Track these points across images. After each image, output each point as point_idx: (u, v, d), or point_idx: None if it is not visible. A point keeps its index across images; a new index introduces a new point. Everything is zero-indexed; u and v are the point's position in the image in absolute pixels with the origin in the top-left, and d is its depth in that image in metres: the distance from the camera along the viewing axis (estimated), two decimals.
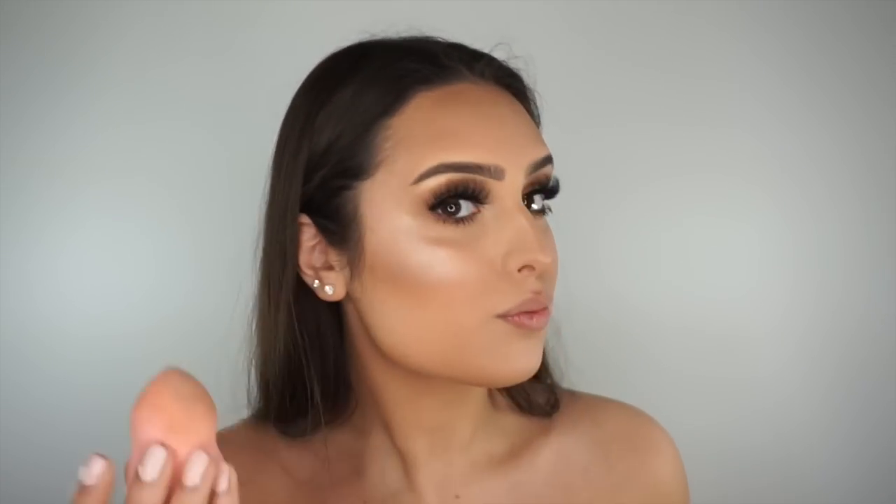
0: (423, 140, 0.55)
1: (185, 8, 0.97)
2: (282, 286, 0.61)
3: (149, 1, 0.95)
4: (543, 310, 0.57)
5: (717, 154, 1.01)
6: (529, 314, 0.56)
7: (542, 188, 0.59)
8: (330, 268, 0.60)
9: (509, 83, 0.61)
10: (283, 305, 0.61)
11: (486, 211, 0.56)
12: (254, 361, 0.66)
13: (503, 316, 0.55)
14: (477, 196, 0.55)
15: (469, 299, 0.55)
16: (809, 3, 0.98)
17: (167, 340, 0.97)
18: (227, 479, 0.44)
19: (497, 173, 0.55)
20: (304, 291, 0.61)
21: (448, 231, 0.55)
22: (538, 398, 0.69)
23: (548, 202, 0.61)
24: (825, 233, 1.01)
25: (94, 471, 0.43)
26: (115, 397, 1.00)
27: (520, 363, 0.56)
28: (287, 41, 0.95)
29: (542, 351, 0.58)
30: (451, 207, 0.55)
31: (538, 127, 0.64)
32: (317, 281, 0.60)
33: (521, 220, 0.56)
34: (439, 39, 0.62)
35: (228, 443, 0.63)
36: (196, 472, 0.43)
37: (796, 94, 1.01)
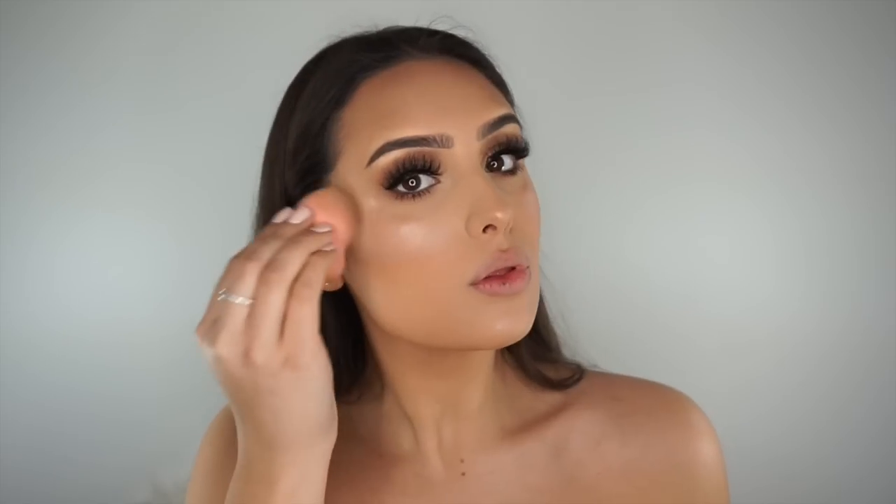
0: (369, 123, 0.56)
1: (186, 10, 0.96)
2: None
3: (151, 4, 0.95)
4: (515, 270, 0.56)
5: (725, 152, 0.99)
6: (501, 280, 0.56)
7: (506, 148, 0.58)
8: None
9: (461, 52, 0.61)
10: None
11: (445, 180, 0.56)
12: None
13: (474, 284, 0.56)
14: (430, 167, 0.56)
15: (439, 270, 0.56)
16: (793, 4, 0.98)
17: (165, 344, 0.94)
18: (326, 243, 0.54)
19: (445, 141, 0.55)
20: None
21: (409, 207, 0.56)
22: (552, 374, 0.68)
23: (522, 161, 0.60)
24: (831, 232, 1.00)
25: (301, 215, 0.55)
26: (111, 400, 1.01)
27: (500, 328, 0.56)
28: (285, 44, 0.94)
29: (527, 311, 0.57)
30: (412, 182, 0.56)
31: (506, 94, 0.63)
32: None
33: (477, 182, 0.56)
34: (392, 27, 0.63)
35: None
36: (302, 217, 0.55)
37: (804, 92, 0.99)
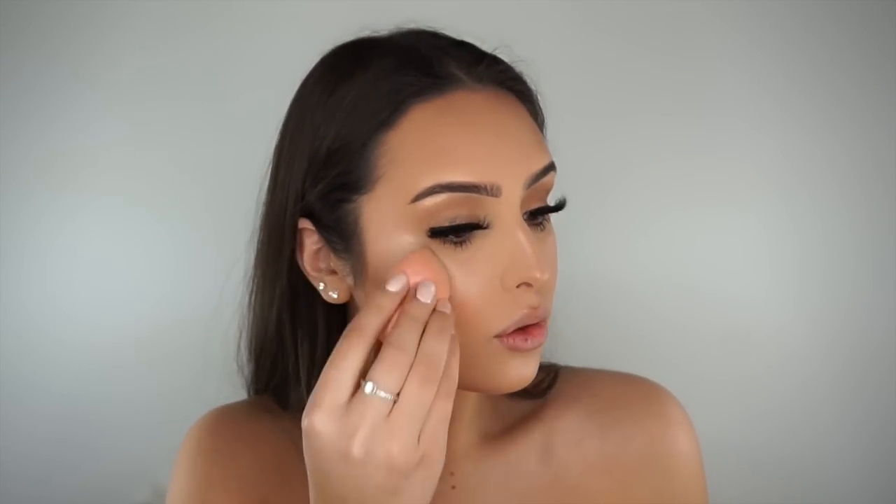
0: (419, 158, 0.54)
1: (189, 8, 0.96)
2: (276, 285, 0.63)
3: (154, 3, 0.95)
4: (538, 326, 0.57)
5: (723, 150, 0.99)
6: (524, 335, 0.56)
7: (543, 205, 0.58)
8: (333, 272, 0.60)
9: (511, 86, 0.60)
10: (276, 304, 0.63)
11: (486, 228, 0.55)
12: (248, 353, 0.70)
13: (500, 335, 0.56)
14: (475, 215, 0.55)
15: (468, 320, 0.55)
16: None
17: (162, 347, 0.96)
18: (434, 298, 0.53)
19: (494, 191, 0.54)
20: (298, 291, 0.63)
21: (447, 251, 0.55)
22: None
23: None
24: (831, 230, 0.99)
25: (400, 283, 0.53)
26: (109, 405, 1.01)
27: (512, 378, 0.57)
28: (291, 40, 0.94)
29: (537, 362, 0.58)
30: (452, 236, 0.55)
31: (542, 129, 0.63)
32: (322, 283, 0.60)
33: (518, 236, 0.55)
34: (441, 38, 0.61)
35: (237, 408, 0.67)
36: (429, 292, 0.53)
37: (803, 93, 0.99)
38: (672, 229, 1.00)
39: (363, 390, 0.48)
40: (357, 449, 0.47)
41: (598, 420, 0.67)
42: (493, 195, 0.54)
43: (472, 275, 0.55)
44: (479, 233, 0.55)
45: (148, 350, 0.96)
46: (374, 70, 0.57)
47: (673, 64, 0.98)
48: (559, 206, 0.59)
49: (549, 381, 0.69)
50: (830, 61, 0.97)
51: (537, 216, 0.58)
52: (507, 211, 0.55)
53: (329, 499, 0.49)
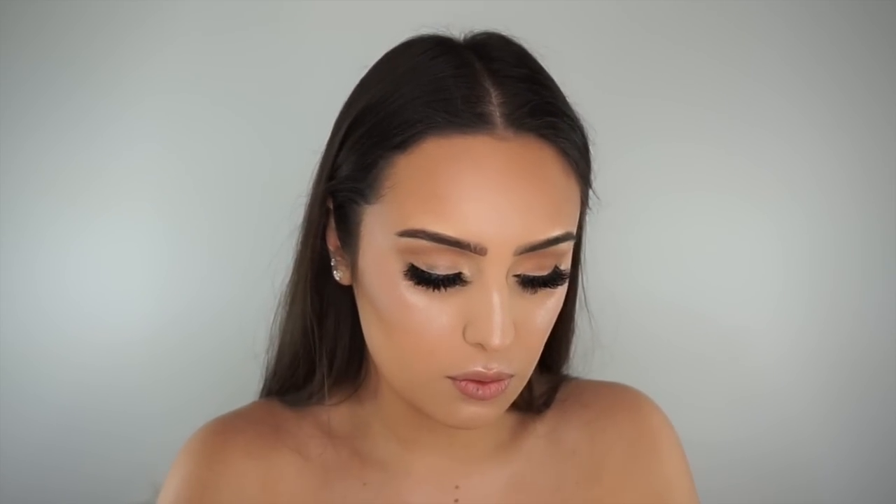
0: (416, 195, 0.54)
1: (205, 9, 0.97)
2: (303, 262, 0.64)
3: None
4: (496, 383, 0.57)
5: (720, 150, 1.02)
6: (476, 385, 0.56)
7: (536, 276, 0.56)
8: (342, 255, 0.62)
9: (553, 139, 0.56)
10: (301, 281, 0.65)
11: (466, 276, 0.55)
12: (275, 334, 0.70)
13: (452, 378, 0.56)
14: (456, 266, 0.55)
15: (424, 354, 0.56)
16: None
17: (172, 342, 0.98)
18: None
19: (479, 250, 0.54)
20: (325, 272, 0.64)
21: (419, 295, 0.55)
22: (538, 390, 0.69)
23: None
24: (829, 230, 1.02)
25: None
26: (119, 401, 1.01)
27: (464, 420, 0.57)
28: (303, 45, 0.95)
29: (497, 409, 0.58)
30: (424, 284, 0.55)
31: (586, 186, 0.60)
32: (334, 261, 0.63)
33: (492, 298, 0.54)
34: (500, 60, 0.57)
35: (242, 418, 0.66)
36: None
37: (799, 96, 1.02)
38: (676, 236, 1.01)
39: None
40: None
41: (587, 430, 0.69)
42: (477, 253, 0.54)
43: (439, 314, 0.55)
44: (458, 276, 0.55)
45: (149, 350, 0.96)
46: (411, 87, 0.56)
47: (678, 71, 1.00)
48: (554, 279, 0.57)
49: (549, 396, 0.70)
50: (842, 59, 1.00)
51: (530, 275, 0.56)
52: (490, 269, 0.54)
53: None
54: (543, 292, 0.57)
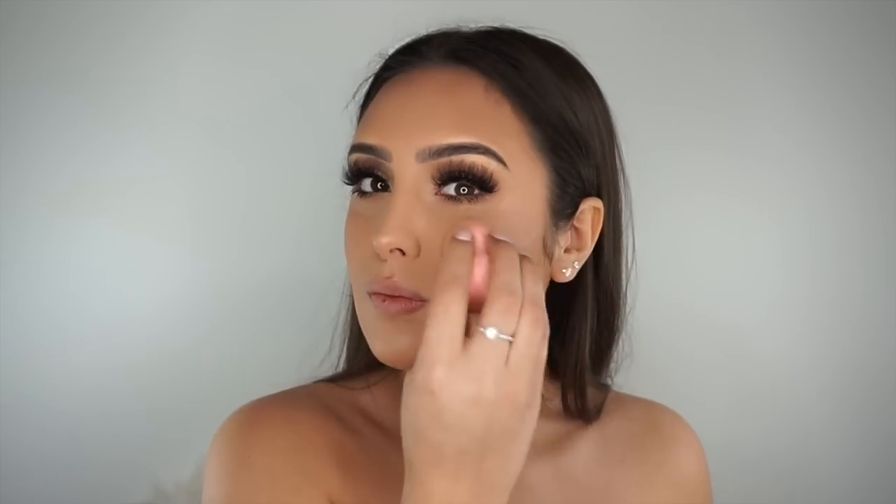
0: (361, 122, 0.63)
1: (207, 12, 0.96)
2: None
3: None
4: (393, 298, 0.57)
5: (730, 160, 1.00)
6: (381, 298, 0.57)
7: (451, 176, 0.57)
8: None
9: (470, 60, 0.60)
10: None
11: (385, 190, 0.60)
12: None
13: (369, 293, 0.58)
14: (376, 175, 0.59)
15: (355, 271, 0.60)
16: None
17: (167, 343, 0.96)
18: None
19: (385, 155, 0.58)
20: None
21: (357, 204, 0.61)
22: (592, 401, 0.70)
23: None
24: (841, 241, 1.00)
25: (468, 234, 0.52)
26: (111, 400, 1.01)
27: (378, 344, 0.58)
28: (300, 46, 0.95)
29: (408, 338, 0.57)
30: (363, 185, 0.60)
31: (532, 124, 0.59)
32: None
33: (390, 201, 0.57)
34: (451, 31, 0.64)
35: (282, 403, 0.65)
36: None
37: (798, 94, 0.99)
38: (674, 237, 0.99)
39: (485, 335, 0.48)
40: (489, 391, 0.48)
41: (636, 442, 0.71)
42: (385, 159, 0.58)
43: (364, 229, 0.59)
44: (380, 194, 0.59)
45: (151, 348, 0.96)
46: (390, 54, 0.65)
47: (684, 72, 0.98)
48: (470, 179, 0.57)
49: (601, 407, 0.71)
50: (849, 60, 0.98)
51: (446, 183, 0.57)
52: (403, 177, 0.57)
53: (446, 458, 0.49)
54: (465, 213, 0.57)
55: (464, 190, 0.57)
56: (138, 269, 0.96)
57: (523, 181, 0.58)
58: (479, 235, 0.52)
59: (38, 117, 0.94)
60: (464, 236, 0.52)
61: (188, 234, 0.97)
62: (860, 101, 0.98)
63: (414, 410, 0.49)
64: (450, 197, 0.57)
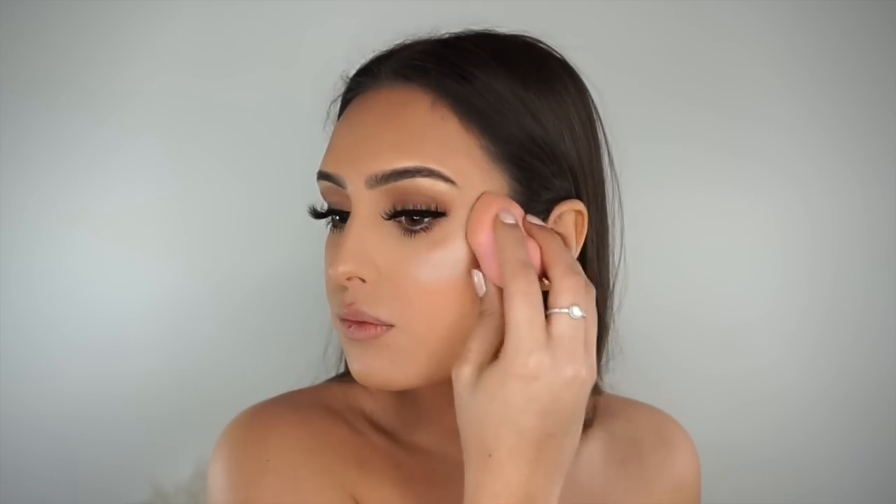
0: None
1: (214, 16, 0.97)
2: None
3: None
4: (359, 325, 0.56)
5: (727, 152, 1.00)
6: (350, 322, 0.57)
7: (398, 211, 0.56)
8: None
9: (415, 78, 0.57)
10: None
11: (345, 220, 0.58)
12: None
13: (339, 319, 0.58)
14: (336, 202, 0.59)
15: (328, 297, 0.60)
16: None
17: (166, 344, 0.96)
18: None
19: (341, 182, 0.57)
20: None
21: (329, 233, 0.61)
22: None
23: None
24: (831, 227, 1.01)
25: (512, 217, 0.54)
26: (111, 401, 1.01)
27: (358, 371, 0.57)
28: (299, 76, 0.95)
29: (383, 363, 0.56)
30: (335, 218, 0.59)
31: (485, 138, 0.56)
32: None
33: (346, 230, 0.56)
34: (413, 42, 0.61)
35: (292, 404, 0.64)
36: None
37: (798, 89, 1.00)
38: (672, 231, 1.00)
39: (569, 316, 0.50)
40: (583, 370, 0.49)
41: (635, 445, 0.71)
42: (342, 186, 0.57)
43: (328, 255, 0.59)
44: (345, 224, 0.58)
45: (150, 349, 0.96)
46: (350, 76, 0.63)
47: (685, 69, 0.98)
48: (422, 218, 0.55)
49: (595, 409, 0.70)
50: (852, 54, 0.98)
51: (401, 220, 0.56)
52: (357, 204, 0.56)
53: (530, 444, 0.49)
54: (421, 239, 0.55)
55: (416, 219, 0.55)
56: (134, 274, 0.97)
57: (478, 196, 0.56)
58: (520, 217, 0.54)
59: (27, 124, 0.94)
60: (510, 220, 0.53)
61: (184, 239, 0.97)
62: (860, 98, 0.99)
63: (503, 399, 0.49)
64: (405, 228, 0.56)
